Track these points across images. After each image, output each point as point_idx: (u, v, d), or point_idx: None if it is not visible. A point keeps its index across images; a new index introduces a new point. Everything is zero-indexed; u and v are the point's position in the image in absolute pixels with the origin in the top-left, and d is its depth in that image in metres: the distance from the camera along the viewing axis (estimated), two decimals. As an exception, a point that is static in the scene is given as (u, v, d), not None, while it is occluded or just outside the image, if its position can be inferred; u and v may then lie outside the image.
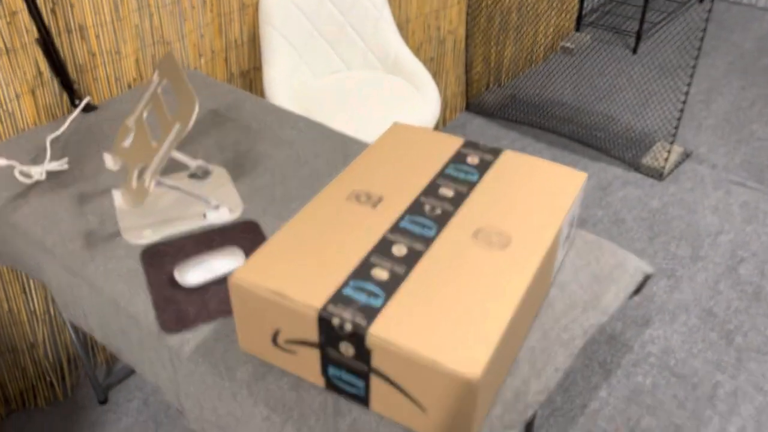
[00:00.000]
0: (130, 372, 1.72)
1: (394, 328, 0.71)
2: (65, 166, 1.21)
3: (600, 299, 0.93)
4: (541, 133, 2.65)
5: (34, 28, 1.30)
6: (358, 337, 0.71)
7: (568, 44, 3.23)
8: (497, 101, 2.81)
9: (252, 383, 0.82)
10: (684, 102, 2.27)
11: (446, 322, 0.72)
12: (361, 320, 0.72)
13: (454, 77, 2.62)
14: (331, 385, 0.79)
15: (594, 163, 2.47)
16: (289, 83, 1.69)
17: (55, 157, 1.23)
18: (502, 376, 0.80)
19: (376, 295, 0.75)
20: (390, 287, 0.76)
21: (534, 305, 0.86)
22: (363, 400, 0.78)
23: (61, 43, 1.37)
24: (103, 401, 1.65)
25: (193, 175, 1.19)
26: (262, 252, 0.81)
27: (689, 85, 2.25)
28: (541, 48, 3.11)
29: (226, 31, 1.68)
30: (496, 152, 0.99)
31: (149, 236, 1.05)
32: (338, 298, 0.74)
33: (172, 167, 1.20)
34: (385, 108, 1.56)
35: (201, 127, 1.34)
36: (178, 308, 0.92)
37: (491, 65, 2.83)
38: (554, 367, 0.83)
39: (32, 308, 1.52)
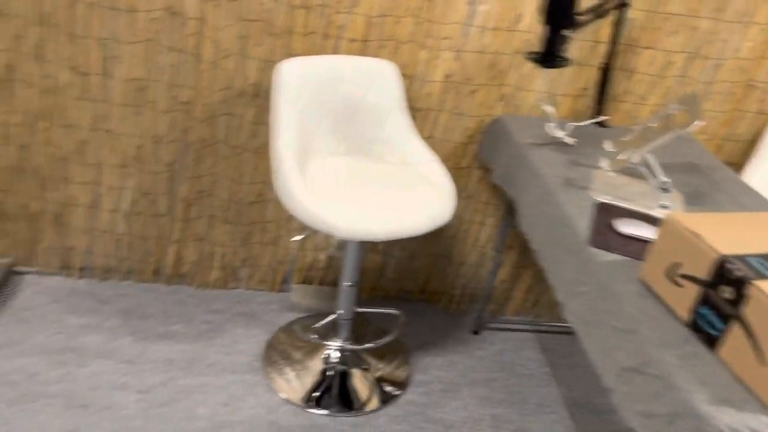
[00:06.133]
0: (501, 325, 2.11)
1: (774, 292, 0.89)
2: (573, 143, 1.65)
3: None
4: None
5: (602, 58, 1.78)
6: (741, 284, 0.91)
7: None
8: None
9: (635, 299, 1.08)
10: None
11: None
12: (750, 274, 0.91)
13: None
14: (693, 323, 1.00)
15: None
16: None
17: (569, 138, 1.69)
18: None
19: (771, 272, 0.93)
20: (786, 275, 0.93)
21: None
22: (713, 342, 0.96)
23: (614, 75, 1.82)
24: (476, 332, 2.07)
25: (659, 187, 1.49)
26: (694, 215, 1.07)
27: None
28: None
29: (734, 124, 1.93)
30: None
31: (606, 198, 1.39)
32: (740, 258, 0.95)
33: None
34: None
35: (681, 170, 1.63)
36: (606, 239, 1.23)
37: None
38: None
39: (481, 243, 2.03)
